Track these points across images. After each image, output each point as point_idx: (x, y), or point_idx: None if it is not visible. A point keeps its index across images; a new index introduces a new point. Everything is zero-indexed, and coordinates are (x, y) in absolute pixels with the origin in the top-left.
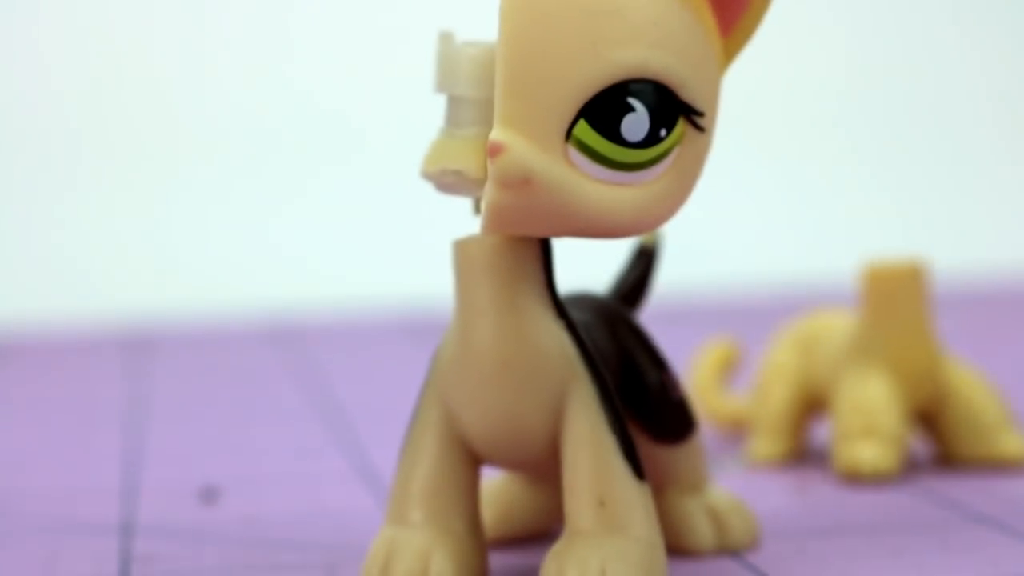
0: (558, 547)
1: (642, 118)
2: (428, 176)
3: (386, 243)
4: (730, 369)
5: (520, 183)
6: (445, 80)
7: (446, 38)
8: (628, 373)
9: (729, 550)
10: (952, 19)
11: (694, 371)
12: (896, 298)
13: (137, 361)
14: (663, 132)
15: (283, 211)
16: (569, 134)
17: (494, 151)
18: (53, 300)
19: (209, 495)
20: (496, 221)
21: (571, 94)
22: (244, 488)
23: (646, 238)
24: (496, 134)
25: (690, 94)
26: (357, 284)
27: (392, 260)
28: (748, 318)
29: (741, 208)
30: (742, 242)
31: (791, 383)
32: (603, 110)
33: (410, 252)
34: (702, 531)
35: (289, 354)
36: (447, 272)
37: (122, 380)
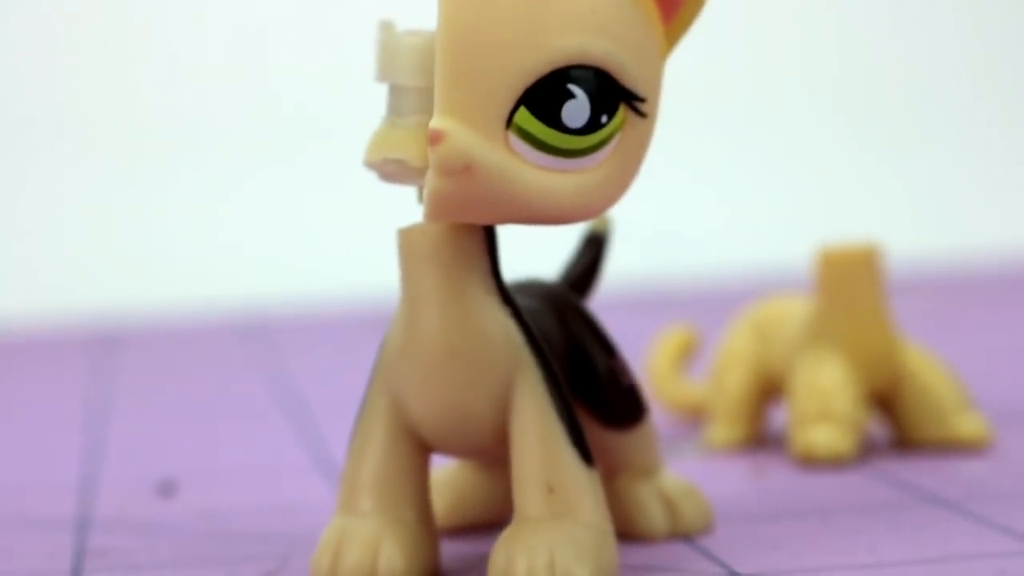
0: (507, 534)
1: (582, 104)
2: (371, 165)
3: (349, 238)
4: (688, 356)
5: (461, 170)
6: (386, 69)
7: (386, 27)
8: (577, 360)
9: (681, 535)
10: (906, 9)
11: (652, 358)
12: (850, 282)
13: (101, 358)
14: (604, 118)
15: (245, 208)
16: (510, 121)
17: (435, 139)
18: (15, 298)
19: (166, 489)
20: (438, 209)
21: (511, 81)
22: (202, 482)
23: (596, 224)
24: (436, 122)
25: (631, 80)
26: (320, 279)
27: (354, 255)
28: (705, 305)
29: (699, 196)
30: (700, 230)
31: (747, 369)
32: (543, 97)
33: (373, 246)
34: (654, 516)
35: (253, 349)
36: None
37: (86, 377)
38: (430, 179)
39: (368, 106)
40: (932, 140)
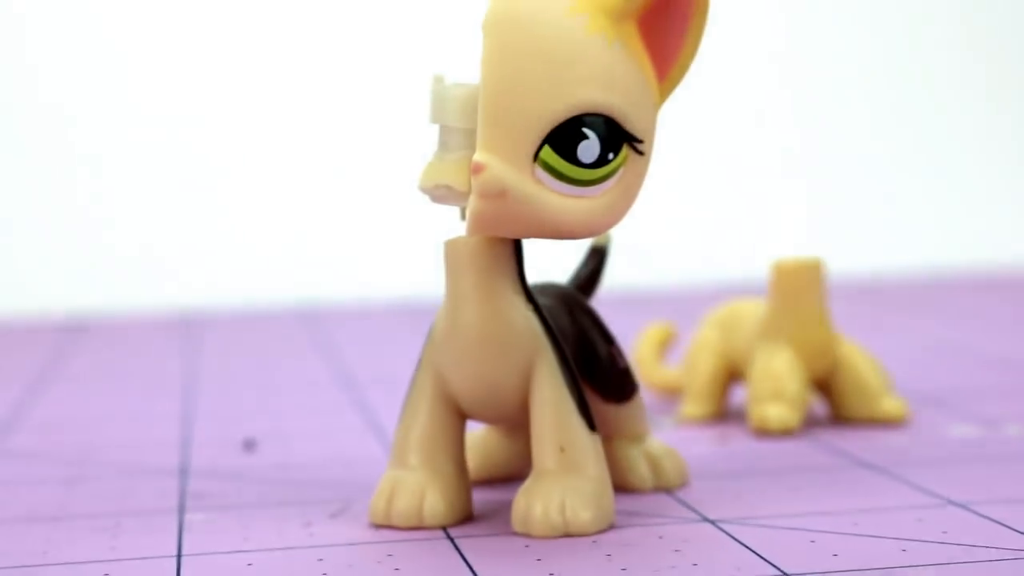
0: (527, 485)
1: (594, 144)
2: (423, 190)
3: (395, 243)
4: (667, 346)
5: (497, 195)
6: (437, 113)
7: (438, 79)
8: (584, 347)
9: (663, 488)
10: (853, 35)
11: (637, 348)
12: (798, 288)
13: (194, 339)
14: (611, 155)
15: (310, 216)
16: (536, 156)
17: (476, 169)
18: (125, 289)
19: (249, 446)
20: (478, 225)
21: (538, 125)
22: (277, 440)
23: (598, 239)
24: (478, 156)
25: (632, 125)
26: (370, 277)
27: (398, 257)
28: (680, 305)
29: (679, 217)
30: (679, 245)
31: (714, 357)
32: (563, 137)
33: (413, 251)
34: (642, 473)
35: (314, 334)
36: (439, 268)
37: (181, 355)
38: (472, 201)
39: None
40: (873, 166)
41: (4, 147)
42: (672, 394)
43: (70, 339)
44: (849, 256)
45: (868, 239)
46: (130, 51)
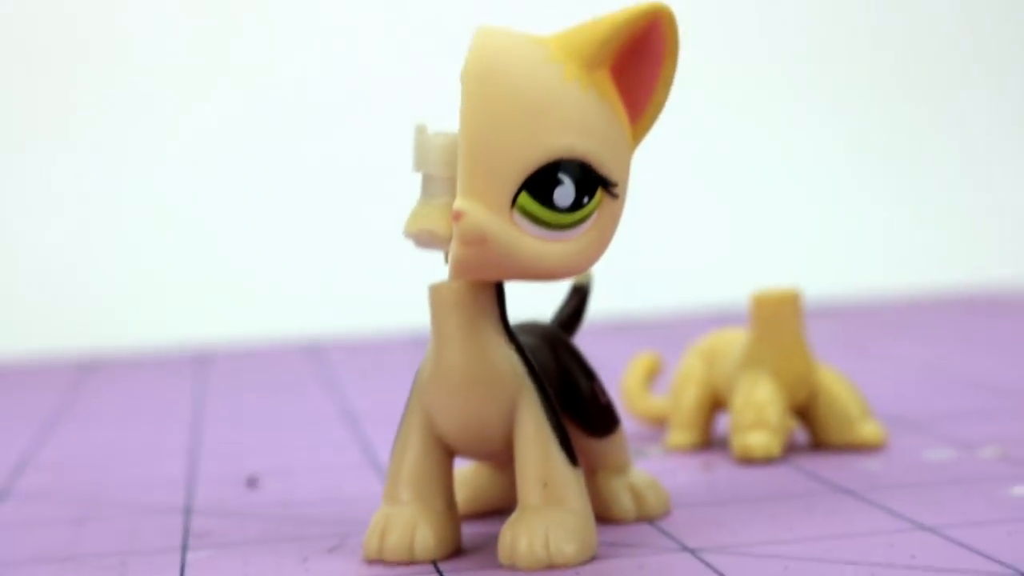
0: (512, 519)
1: (569, 189)
2: (408, 235)
3: (393, 280)
4: (653, 376)
5: (478, 240)
6: (420, 161)
7: (420, 129)
8: (566, 383)
9: (646, 518)
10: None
11: (624, 378)
12: (777, 319)
13: (196, 375)
14: (586, 199)
15: (310, 253)
16: (514, 202)
17: (457, 216)
18: (133, 326)
19: (252, 483)
20: (460, 270)
21: (515, 171)
22: (280, 477)
23: (580, 278)
24: (459, 203)
25: (606, 169)
26: (373, 311)
27: (401, 292)
28: (666, 335)
29: (663, 244)
30: (665, 277)
31: (698, 387)
32: (540, 183)
33: (415, 286)
34: (625, 504)
35: (318, 368)
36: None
37: (186, 391)
38: (454, 247)
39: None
40: (848, 194)
41: (17, 186)
42: (659, 423)
43: (76, 378)
44: (830, 278)
45: (849, 262)
46: (136, 91)
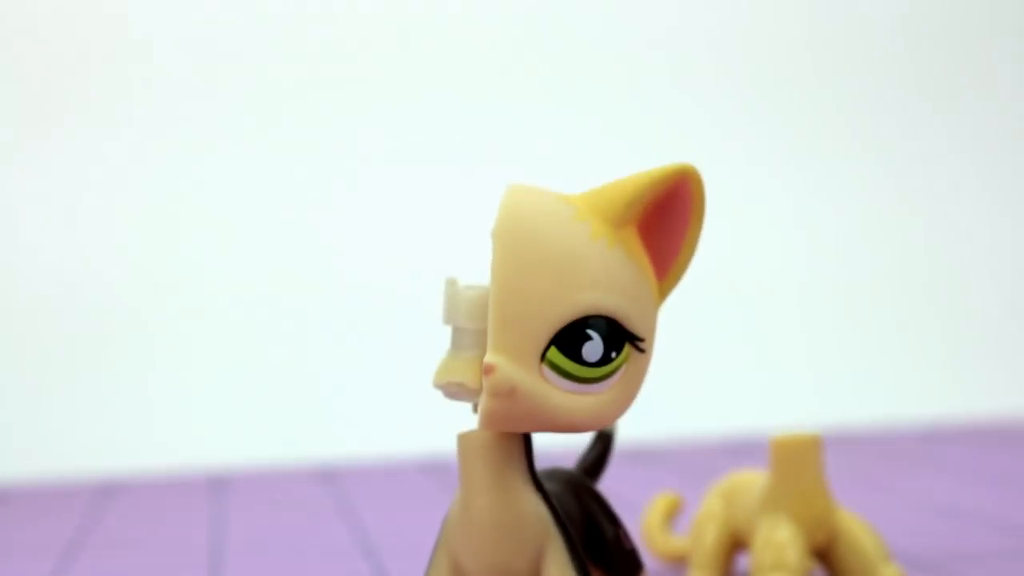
0: None
1: (597, 344)
2: (437, 386)
3: (412, 408)
4: (674, 515)
5: (507, 393)
6: (450, 314)
7: (451, 283)
8: (591, 529)
9: None
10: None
11: (645, 517)
12: (797, 463)
13: (214, 500)
14: (613, 354)
15: (327, 380)
16: (543, 356)
17: (488, 370)
18: (148, 449)
19: None
20: (490, 422)
21: (545, 327)
22: None
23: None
24: (489, 357)
25: (633, 324)
26: (385, 435)
27: (416, 421)
28: (683, 465)
29: (682, 373)
30: (681, 405)
31: (719, 527)
32: (568, 338)
33: (429, 415)
34: None
35: (336, 495)
36: (454, 433)
37: (203, 518)
38: (483, 399)
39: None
40: (866, 325)
41: (24, 311)
42: (680, 562)
43: (96, 503)
44: (852, 408)
45: (870, 391)
46: (149, 201)
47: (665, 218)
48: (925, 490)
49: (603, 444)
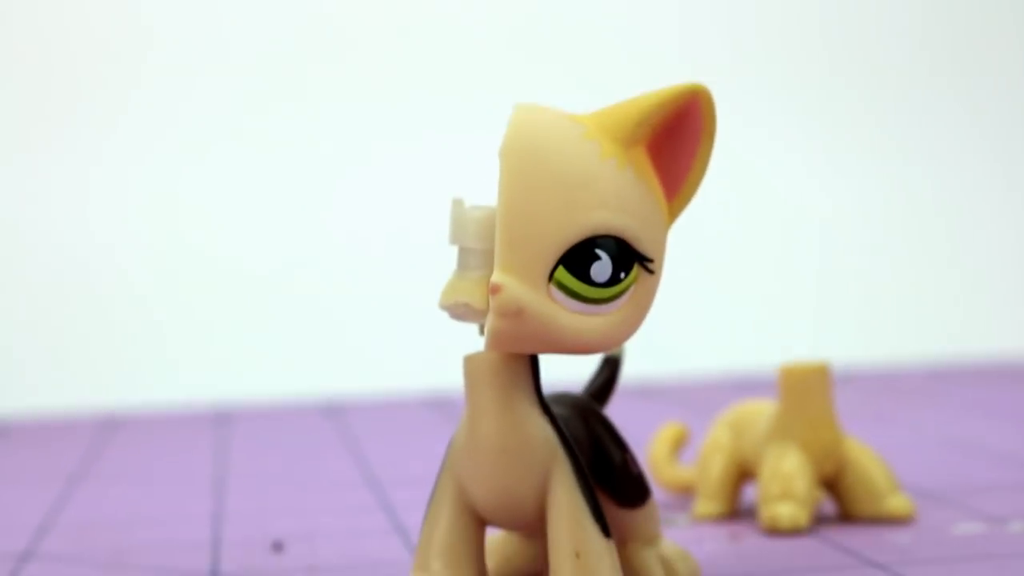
0: None
1: (606, 265)
2: (444, 307)
3: (416, 342)
4: (680, 446)
5: (514, 314)
6: (456, 235)
7: (457, 203)
8: (598, 454)
9: None
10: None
11: (652, 448)
12: (806, 391)
13: (219, 433)
14: (622, 275)
15: (334, 316)
16: (551, 276)
17: (495, 290)
18: (153, 383)
19: (278, 547)
20: (497, 342)
21: (553, 247)
22: (304, 541)
23: (612, 350)
24: (496, 276)
25: (642, 245)
26: (396, 371)
27: (420, 354)
28: (692, 401)
29: (691, 309)
30: (690, 342)
31: (726, 457)
32: (577, 259)
33: (434, 348)
34: (656, 575)
35: (341, 429)
36: (458, 366)
37: (209, 451)
38: (490, 320)
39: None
40: (879, 262)
41: (30, 245)
42: (686, 493)
43: (101, 434)
44: (856, 345)
45: (874, 329)
46: (151, 142)
47: (675, 138)
48: (933, 424)
49: (611, 369)
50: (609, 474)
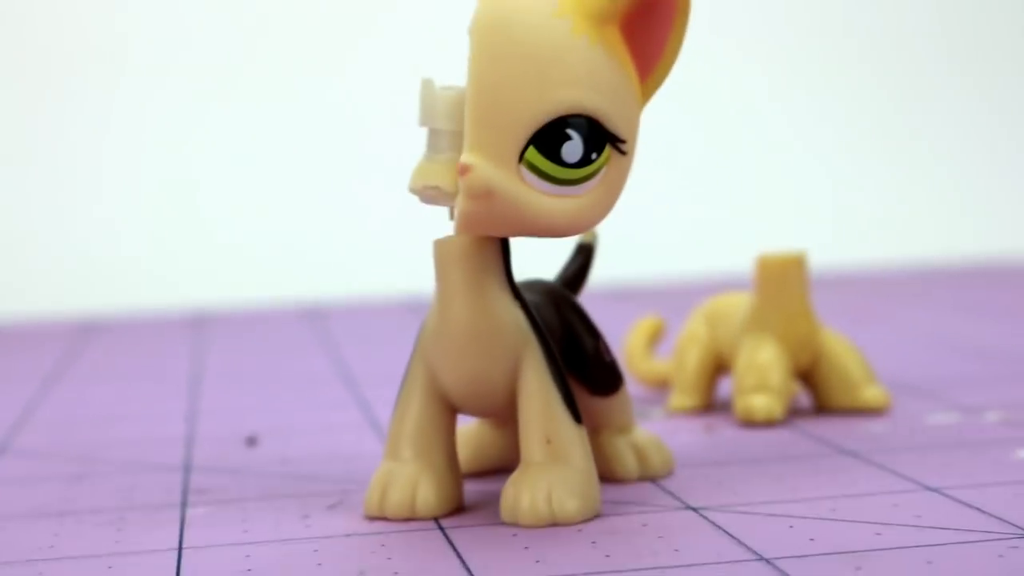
0: (515, 476)
1: (577, 145)
2: (413, 191)
3: (391, 243)
4: (656, 339)
5: (484, 195)
6: (426, 116)
7: (427, 83)
8: (570, 341)
9: (650, 477)
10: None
11: (628, 341)
12: (782, 282)
13: (196, 337)
14: (594, 155)
15: (312, 215)
16: (522, 157)
17: (464, 170)
18: (131, 289)
19: (251, 441)
20: (466, 225)
21: (523, 126)
22: (278, 436)
23: (585, 237)
24: (465, 157)
25: (614, 125)
26: (371, 274)
27: (396, 256)
28: (670, 298)
29: (668, 211)
30: (668, 239)
31: (701, 350)
32: (548, 138)
33: (409, 249)
34: (629, 463)
35: (316, 331)
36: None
37: (184, 353)
38: (460, 201)
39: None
40: (855, 163)
41: (11, 154)
42: (661, 386)
43: (78, 339)
44: (836, 247)
45: (855, 230)
46: (132, 57)
47: (649, 17)
48: (912, 322)
49: (584, 256)
50: (581, 361)
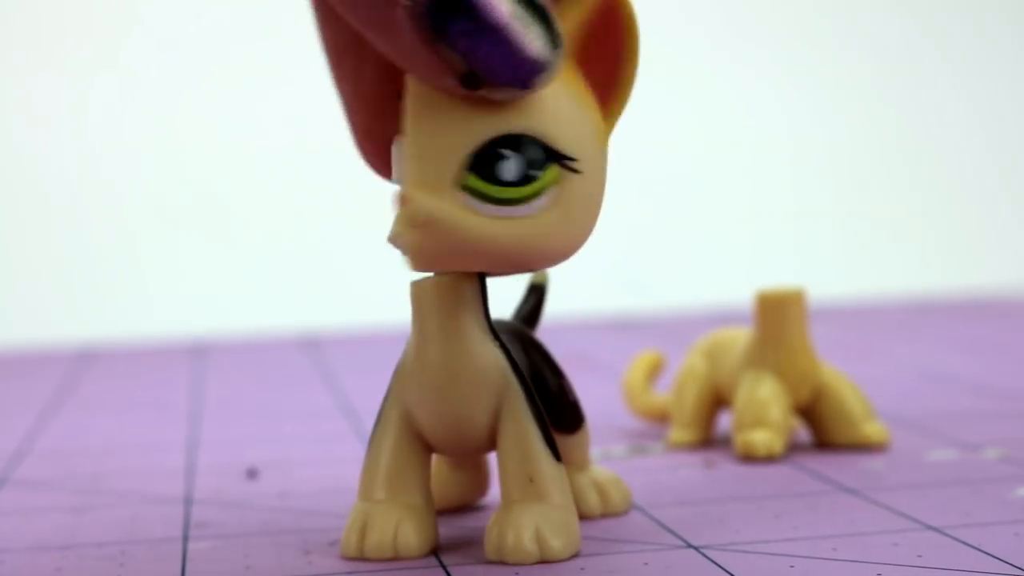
0: (498, 515)
1: (513, 163)
2: (391, 244)
3: (391, 274)
4: (656, 374)
5: (424, 222)
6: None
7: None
8: (536, 380)
9: (610, 514)
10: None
11: (627, 375)
12: (781, 318)
13: (195, 366)
14: (536, 173)
15: (312, 250)
16: (462, 184)
17: (403, 201)
18: (132, 317)
19: (252, 474)
20: (417, 259)
21: (455, 153)
22: (279, 469)
23: (536, 277)
24: (403, 190)
25: (560, 144)
26: (369, 306)
27: (396, 287)
28: (669, 334)
29: (666, 251)
30: (667, 277)
31: (701, 385)
32: (483, 161)
33: (409, 281)
34: (591, 500)
35: (317, 362)
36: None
37: (185, 383)
38: (406, 236)
39: None
40: (858, 197)
41: (14, 179)
42: (661, 420)
43: (77, 367)
44: (832, 281)
45: (851, 264)
46: (134, 87)
47: (598, 42)
48: (911, 357)
49: (536, 296)
50: (546, 400)
